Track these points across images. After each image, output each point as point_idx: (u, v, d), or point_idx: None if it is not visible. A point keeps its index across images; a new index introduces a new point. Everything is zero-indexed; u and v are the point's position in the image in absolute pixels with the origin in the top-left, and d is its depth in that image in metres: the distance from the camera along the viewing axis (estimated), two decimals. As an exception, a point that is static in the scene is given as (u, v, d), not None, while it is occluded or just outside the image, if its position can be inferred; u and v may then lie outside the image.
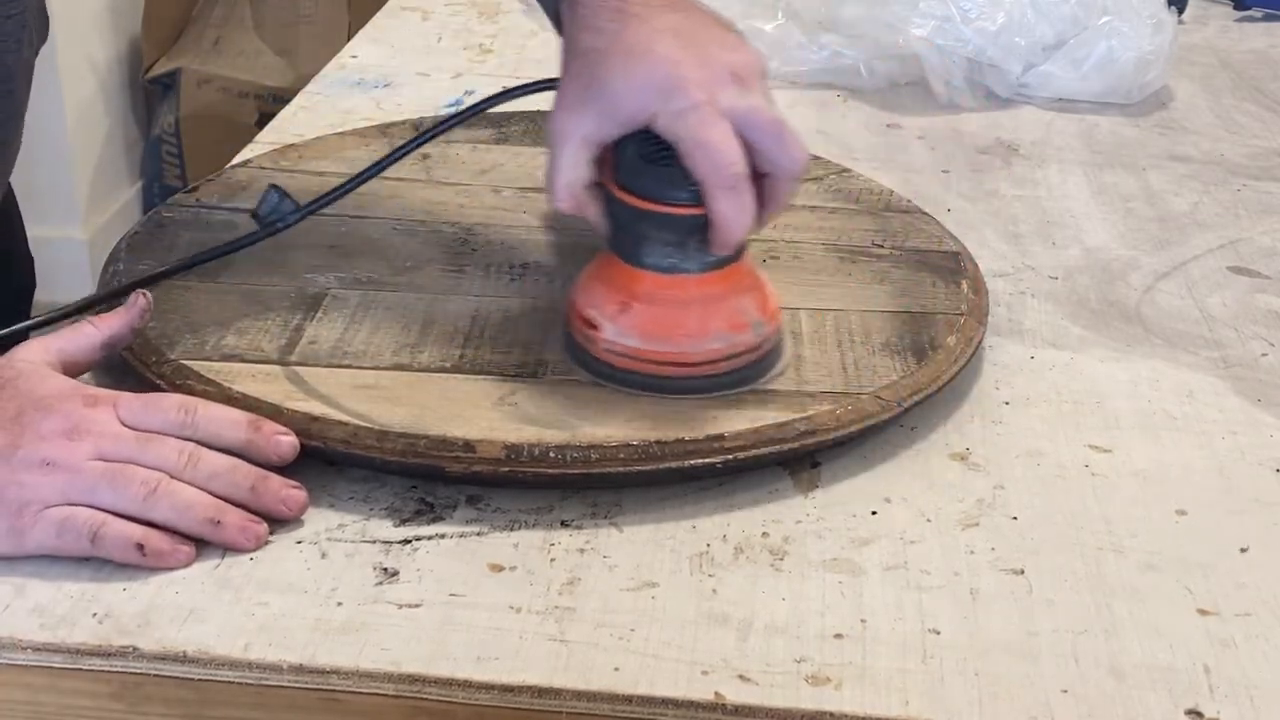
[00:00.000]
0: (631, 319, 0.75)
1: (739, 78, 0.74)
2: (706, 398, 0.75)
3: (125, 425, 0.68)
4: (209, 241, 0.86)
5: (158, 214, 0.93)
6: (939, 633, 0.63)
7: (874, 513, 0.71)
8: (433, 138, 0.85)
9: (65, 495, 0.65)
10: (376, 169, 0.84)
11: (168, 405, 0.69)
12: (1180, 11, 1.41)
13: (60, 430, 0.66)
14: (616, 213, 0.76)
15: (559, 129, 0.75)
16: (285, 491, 0.68)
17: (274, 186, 0.84)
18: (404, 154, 0.84)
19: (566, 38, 0.78)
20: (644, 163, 0.74)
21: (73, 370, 0.72)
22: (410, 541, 0.68)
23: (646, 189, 0.74)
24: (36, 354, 0.71)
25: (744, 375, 0.77)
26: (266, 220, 0.83)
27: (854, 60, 1.26)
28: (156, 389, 0.75)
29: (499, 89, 0.82)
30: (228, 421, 0.69)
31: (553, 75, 0.79)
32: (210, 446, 0.68)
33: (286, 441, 0.69)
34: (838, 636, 0.63)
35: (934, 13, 1.22)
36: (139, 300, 0.75)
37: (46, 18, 0.98)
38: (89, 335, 0.73)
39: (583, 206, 0.76)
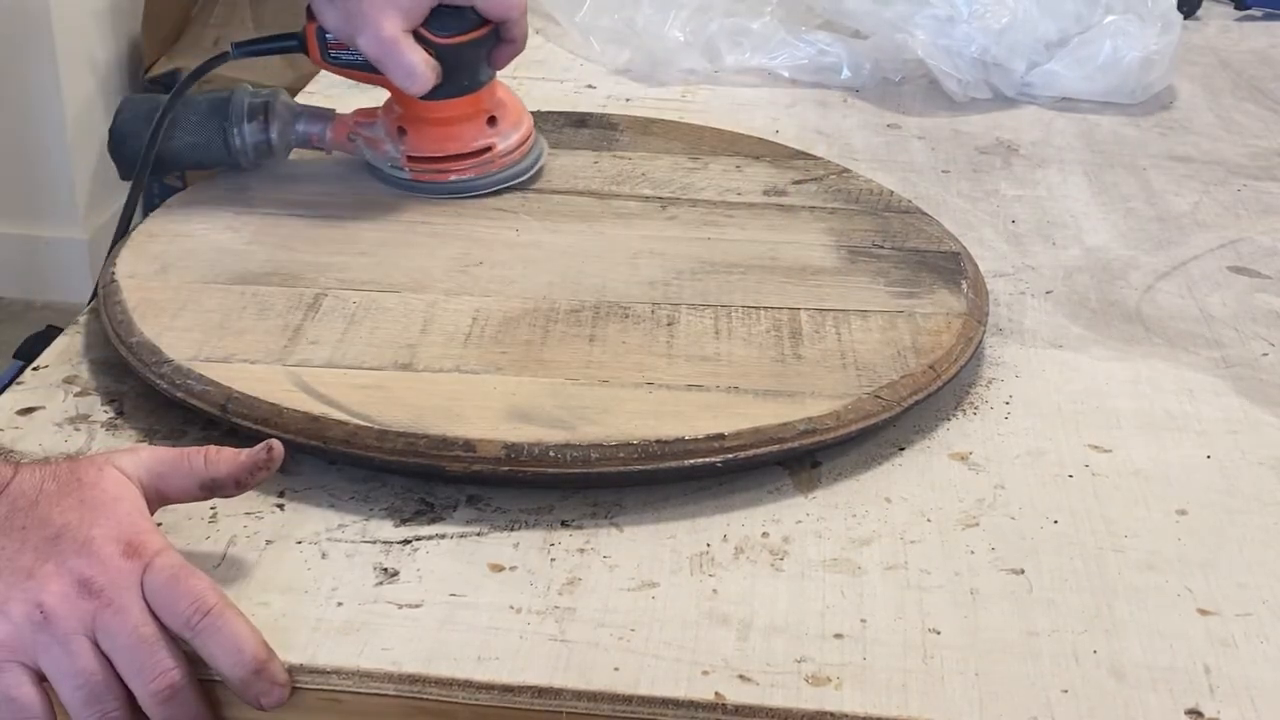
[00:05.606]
0: None
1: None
2: None
3: (143, 594, 0.61)
4: (209, 245, 0.86)
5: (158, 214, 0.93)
6: (939, 633, 0.63)
7: (877, 512, 0.71)
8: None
9: (31, 655, 0.60)
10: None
11: (188, 593, 0.61)
12: (1188, 16, 1.41)
13: (75, 580, 0.60)
14: None
15: None
16: None
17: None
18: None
19: None
20: None
21: (157, 500, 0.65)
22: (410, 541, 0.68)
23: None
24: (130, 466, 0.64)
25: None
26: None
27: (841, 59, 1.26)
28: (155, 390, 0.75)
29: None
30: (233, 649, 0.60)
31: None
32: (203, 660, 0.61)
33: (278, 694, 0.60)
34: (838, 636, 0.63)
35: (938, 12, 1.22)
36: (262, 454, 0.65)
37: None
38: (191, 471, 0.65)
39: None
